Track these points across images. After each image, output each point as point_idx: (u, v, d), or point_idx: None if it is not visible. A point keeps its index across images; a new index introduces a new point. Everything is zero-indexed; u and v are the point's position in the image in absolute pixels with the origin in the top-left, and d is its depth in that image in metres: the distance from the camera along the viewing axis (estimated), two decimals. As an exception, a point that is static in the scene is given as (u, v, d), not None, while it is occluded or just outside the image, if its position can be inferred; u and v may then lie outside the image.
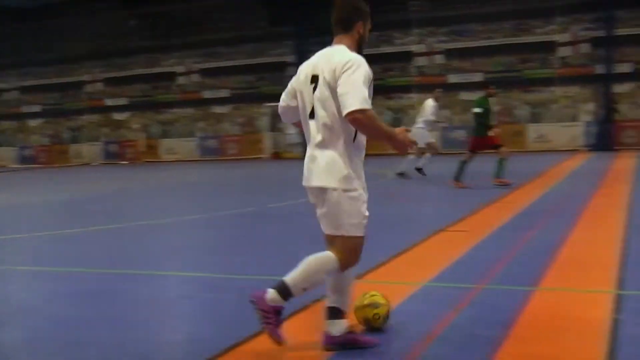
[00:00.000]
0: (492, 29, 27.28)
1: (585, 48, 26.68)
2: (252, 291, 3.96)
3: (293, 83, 4.21)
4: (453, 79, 27.66)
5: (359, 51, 4.02)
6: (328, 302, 4.12)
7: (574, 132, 26.00)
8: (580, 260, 6.49)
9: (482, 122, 13.23)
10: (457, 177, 13.38)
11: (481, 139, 13.27)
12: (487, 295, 5.24)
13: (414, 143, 4.34)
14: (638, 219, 8.88)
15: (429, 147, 15.72)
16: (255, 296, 3.94)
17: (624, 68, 25.90)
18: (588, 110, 26.60)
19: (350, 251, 4.00)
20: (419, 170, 15.82)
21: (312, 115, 4.02)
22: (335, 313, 4.08)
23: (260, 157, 29.39)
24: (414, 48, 29.21)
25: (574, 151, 24.39)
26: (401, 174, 15.88)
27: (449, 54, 27.92)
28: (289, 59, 30.19)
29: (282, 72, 30.28)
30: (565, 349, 3.98)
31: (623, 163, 18.68)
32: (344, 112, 3.78)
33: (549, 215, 9.45)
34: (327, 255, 3.97)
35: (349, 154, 3.94)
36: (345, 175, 3.91)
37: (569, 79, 26.52)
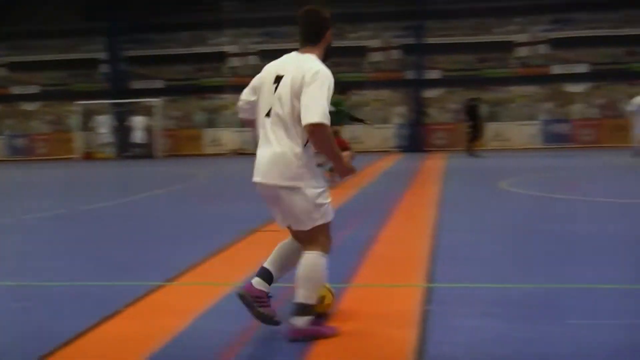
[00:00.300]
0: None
1: (396, 54, 27.86)
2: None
3: (255, 80, 4.35)
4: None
5: (326, 56, 4.25)
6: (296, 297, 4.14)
7: (386, 133, 27.08)
8: (392, 256, 6.69)
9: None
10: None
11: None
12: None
13: (354, 170, 4.53)
14: (446, 216, 9.32)
15: None
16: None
17: (433, 74, 27.34)
18: (399, 113, 27.82)
19: (323, 238, 4.21)
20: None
21: (268, 114, 4.13)
22: (302, 309, 4.12)
23: (71, 157, 28.09)
24: (228, 49, 29.24)
25: (386, 152, 25.39)
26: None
27: (263, 55, 28.16)
28: (102, 55, 29.17)
29: (95, 69, 29.22)
30: (378, 340, 4.07)
31: (433, 164, 19.67)
32: (304, 122, 3.94)
33: (361, 214, 9.69)
34: (312, 255, 4.14)
35: (302, 152, 4.06)
36: (298, 174, 4.05)
37: (380, 83, 27.60)
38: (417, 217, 9.43)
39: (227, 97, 27.98)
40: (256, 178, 4.19)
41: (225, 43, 29.11)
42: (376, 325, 4.37)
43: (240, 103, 4.42)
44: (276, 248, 4.36)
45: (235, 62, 29.07)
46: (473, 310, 4.70)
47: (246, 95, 4.39)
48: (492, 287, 5.39)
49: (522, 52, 27.43)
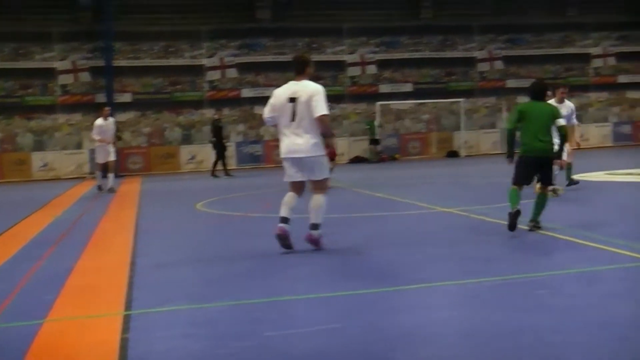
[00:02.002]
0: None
1: (85, 77, 27.08)
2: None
3: (273, 102, 7.84)
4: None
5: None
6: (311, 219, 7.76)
7: (80, 159, 26.15)
8: (89, 286, 6.56)
9: None
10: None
11: None
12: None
13: (335, 154, 10.71)
14: (143, 240, 9.33)
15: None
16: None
17: (125, 98, 26.97)
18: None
19: (326, 185, 7.97)
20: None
21: (293, 119, 7.63)
22: (316, 226, 7.74)
23: None
24: (57, 64, 26.95)
25: (80, 178, 24.49)
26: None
27: (94, 71, 26.54)
28: None
29: None
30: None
31: (129, 188, 19.45)
32: (316, 114, 7.56)
33: (56, 245, 9.34)
34: (321, 196, 7.79)
35: (319, 138, 7.74)
36: (319, 149, 7.75)
37: (70, 106, 26.63)
38: (114, 244, 9.32)
39: (58, 118, 26.35)
40: (294, 155, 7.68)
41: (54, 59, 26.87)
42: (76, 359, 4.28)
43: (267, 118, 7.96)
44: (286, 203, 7.77)
45: (64, 79, 26.99)
46: (172, 332, 4.81)
47: (268, 113, 7.91)
48: (189, 308, 5.55)
49: (353, 71, 29.04)
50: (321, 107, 7.55)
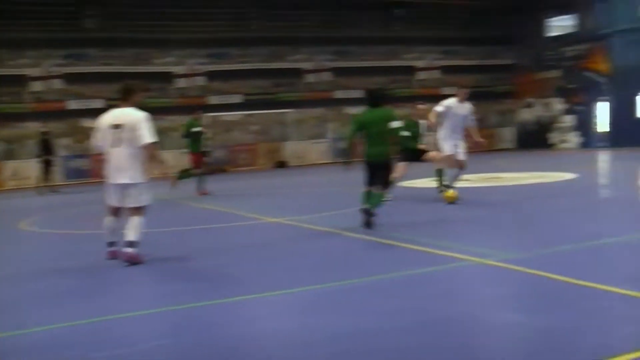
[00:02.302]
0: None
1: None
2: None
3: (99, 129, 8.00)
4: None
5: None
6: None
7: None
8: None
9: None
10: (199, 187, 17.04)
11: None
12: None
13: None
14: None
15: None
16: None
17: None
18: None
19: (144, 210, 8.06)
20: None
21: (117, 144, 7.81)
22: (131, 243, 7.92)
23: None
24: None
25: None
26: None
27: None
28: None
29: None
30: None
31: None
32: (142, 142, 7.76)
33: None
34: (138, 217, 7.95)
35: (142, 164, 7.86)
36: (143, 175, 7.90)
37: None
38: None
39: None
40: (117, 181, 7.93)
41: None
42: None
43: (96, 144, 8.15)
44: (108, 227, 8.12)
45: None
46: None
47: (96, 140, 8.10)
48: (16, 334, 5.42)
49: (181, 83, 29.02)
50: (147, 135, 7.76)
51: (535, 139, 32.75)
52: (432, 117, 12.50)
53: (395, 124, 9.61)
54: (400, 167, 12.49)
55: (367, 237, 8.94)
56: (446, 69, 33.52)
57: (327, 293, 6.15)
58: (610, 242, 7.90)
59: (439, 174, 12.99)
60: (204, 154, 17.32)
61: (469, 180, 14.68)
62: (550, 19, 33.20)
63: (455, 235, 8.90)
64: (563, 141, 32.01)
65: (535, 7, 32.65)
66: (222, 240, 9.94)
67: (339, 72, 31.46)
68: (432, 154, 12.84)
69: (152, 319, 5.69)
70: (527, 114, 34.17)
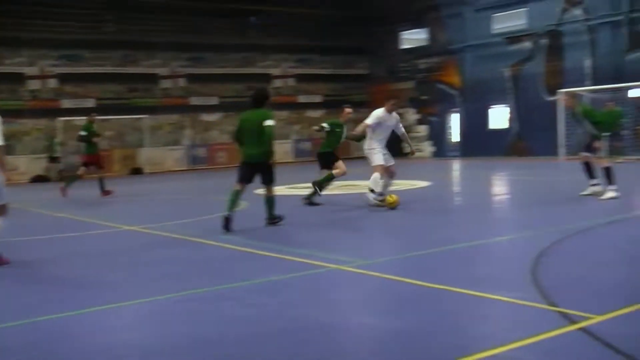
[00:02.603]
0: None
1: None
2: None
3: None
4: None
5: None
6: None
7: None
8: None
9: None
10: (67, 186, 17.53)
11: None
12: None
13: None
14: None
15: None
16: None
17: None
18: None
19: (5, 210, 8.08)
20: None
21: None
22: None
23: None
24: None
25: None
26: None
27: None
28: None
29: None
30: None
31: None
32: None
33: None
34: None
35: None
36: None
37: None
38: None
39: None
40: None
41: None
42: None
43: None
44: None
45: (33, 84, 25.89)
46: None
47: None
48: None
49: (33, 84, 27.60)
50: None
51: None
52: (360, 129, 12.73)
53: (268, 122, 9.84)
54: (341, 165, 13.05)
55: (226, 245, 8.98)
56: (301, 77, 34.13)
57: (181, 301, 6.09)
58: (462, 247, 8.35)
59: (318, 184, 13.14)
60: (98, 155, 17.60)
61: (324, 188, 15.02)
62: (403, 32, 34.56)
63: (315, 243, 9.10)
64: (416, 150, 33.27)
65: (389, 20, 33.90)
66: (76, 249, 9.54)
67: (194, 78, 31.36)
68: (340, 165, 13.16)
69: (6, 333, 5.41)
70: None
